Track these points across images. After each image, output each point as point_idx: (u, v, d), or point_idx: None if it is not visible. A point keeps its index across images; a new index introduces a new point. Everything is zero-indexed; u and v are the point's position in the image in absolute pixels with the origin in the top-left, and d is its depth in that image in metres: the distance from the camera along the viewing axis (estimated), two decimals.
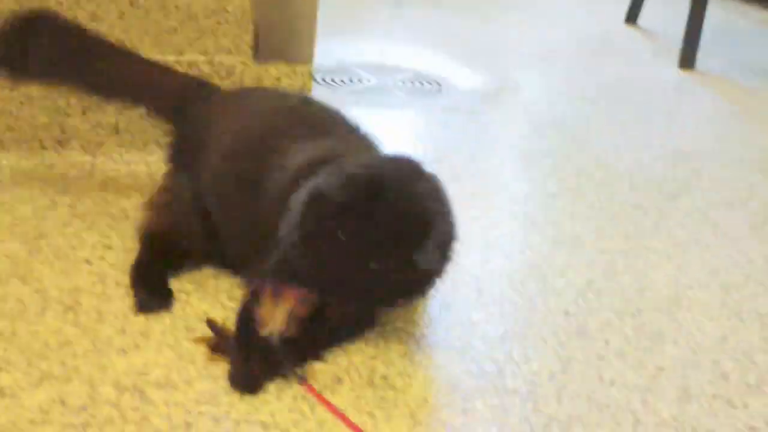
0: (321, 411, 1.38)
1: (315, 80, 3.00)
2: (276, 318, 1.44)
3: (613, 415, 1.45)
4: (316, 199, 1.41)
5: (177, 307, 1.63)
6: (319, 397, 1.40)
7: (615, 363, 1.60)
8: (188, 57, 2.23)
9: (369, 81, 3.20)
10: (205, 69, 2.23)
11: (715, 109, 3.21)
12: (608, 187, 2.40)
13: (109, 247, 1.80)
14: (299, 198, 1.43)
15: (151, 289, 1.65)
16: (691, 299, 1.84)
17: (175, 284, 1.68)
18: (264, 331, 1.44)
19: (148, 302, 1.62)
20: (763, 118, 3.15)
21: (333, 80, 3.16)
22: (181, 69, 2.13)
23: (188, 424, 1.33)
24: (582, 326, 1.70)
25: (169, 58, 2.18)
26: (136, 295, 1.63)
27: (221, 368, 1.46)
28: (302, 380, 1.44)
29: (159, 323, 1.57)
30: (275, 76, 2.28)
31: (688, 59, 3.63)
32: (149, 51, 2.17)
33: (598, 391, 1.51)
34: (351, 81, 3.18)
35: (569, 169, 2.50)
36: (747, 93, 3.45)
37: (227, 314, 1.61)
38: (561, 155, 2.61)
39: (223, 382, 1.43)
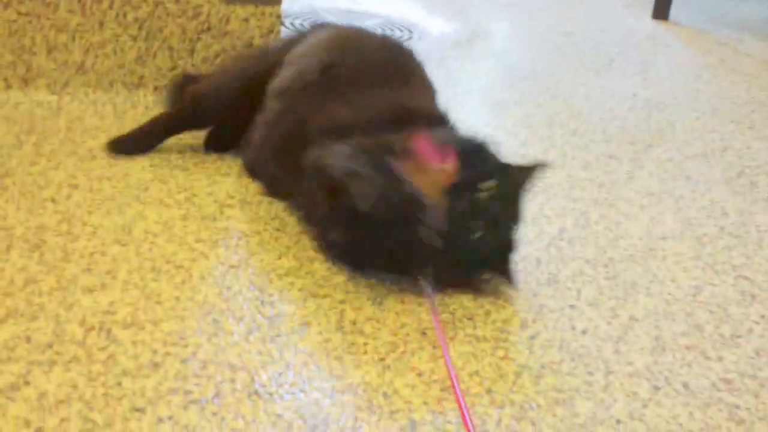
0: (289, 354, 1.35)
1: (283, 25, 2.96)
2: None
3: (586, 364, 1.43)
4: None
5: (144, 247, 1.59)
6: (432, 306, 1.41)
7: (587, 312, 1.58)
8: None
9: None
10: (172, 8, 2.18)
11: (688, 60, 3.19)
12: (581, 137, 2.37)
13: (76, 187, 1.76)
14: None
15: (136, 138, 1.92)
16: (665, 250, 1.82)
17: (141, 225, 1.65)
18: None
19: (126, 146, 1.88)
20: (737, 69, 3.13)
21: (302, 25, 3.11)
22: (147, 8, 2.09)
23: (156, 365, 1.30)
24: (554, 275, 1.68)
25: None
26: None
27: (188, 309, 1.42)
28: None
29: (126, 263, 1.53)
30: (243, 17, 2.24)
31: (661, 10, 3.61)
32: None
33: (570, 340, 1.49)
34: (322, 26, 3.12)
35: (541, 118, 2.48)
36: (720, 44, 3.43)
37: (194, 256, 1.58)
38: (533, 104, 2.58)
39: (190, 323, 1.39)
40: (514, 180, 1.59)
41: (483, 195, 1.52)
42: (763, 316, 1.63)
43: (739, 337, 1.56)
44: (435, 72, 2.55)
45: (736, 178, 2.22)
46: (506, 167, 1.59)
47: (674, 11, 3.58)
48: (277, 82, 1.83)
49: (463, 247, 1.52)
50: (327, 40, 1.91)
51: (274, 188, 1.79)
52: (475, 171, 1.52)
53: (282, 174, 1.73)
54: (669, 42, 3.40)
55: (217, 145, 1.98)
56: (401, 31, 3.19)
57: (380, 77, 1.80)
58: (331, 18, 3.23)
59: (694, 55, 3.29)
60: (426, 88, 1.89)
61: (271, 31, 2.26)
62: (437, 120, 1.74)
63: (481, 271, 1.59)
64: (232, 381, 1.28)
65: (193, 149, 1.98)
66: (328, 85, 1.75)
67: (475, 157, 1.56)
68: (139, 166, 1.87)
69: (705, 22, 3.67)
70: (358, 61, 1.82)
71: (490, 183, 1.53)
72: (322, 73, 1.78)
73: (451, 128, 1.74)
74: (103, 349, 1.32)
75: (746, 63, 3.25)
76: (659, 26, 3.61)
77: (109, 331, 1.36)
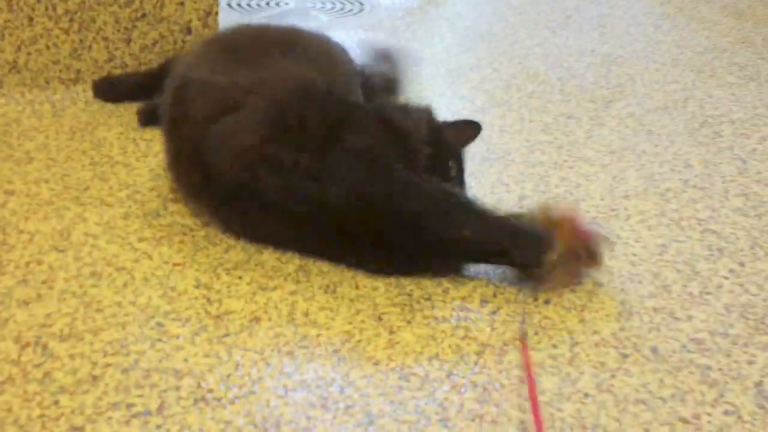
0: (238, 353, 1.29)
1: (229, 5, 2.88)
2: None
3: (550, 336, 1.38)
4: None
5: (83, 252, 1.52)
6: (526, 358, 1.32)
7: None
8: None
9: (287, 4, 3.08)
10: None
11: (646, 10, 3.13)
12: (539, 98, 2.31)
13: (12, 193, 1.69)
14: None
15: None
16: (628, 209, 1.77)
17: (81, 228, 1.58)
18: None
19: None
20: (696, 17, 3.07)
21: (249, 4, 3.03)
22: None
23: (95, 378, 1.23)
24: None
25: None
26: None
27: (131, 314, 1.36)
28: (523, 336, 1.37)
29: (63, 271, 1.47)
30: (178, 1, 2.16)
31: None
32: None
33: (532, 312, 1.43)
34: (268, 4, 3.05)
35: (498, 82, 2.41)
36: None
37: (137, 257, 1.51)
38: (489, 68, 2.51)
39: (132, 329, 1.33)
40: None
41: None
42: (732, 270, 1.58)
43: (708, 294, 1.51)
44: (386, 43, 2.49)
45: (698, 129, 2.16)
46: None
47: None
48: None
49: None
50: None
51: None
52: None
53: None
54: None
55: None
56: (351, 3, 3.11)
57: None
58: None
59: (651, 5, 3.22)
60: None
61: (209, 13, 2.18)
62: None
63: None
64: (177, 389, 1.22)
65: (135, 143, 1.91)
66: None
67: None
68: (78, 166, 1.80)
69: None
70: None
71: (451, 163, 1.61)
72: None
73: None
74: (38, 366, 1.25)
75: (705, 9, 3.19)
76: None
77: (45, 345, 1.29)
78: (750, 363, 1.34)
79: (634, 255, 1.61)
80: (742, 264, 1.60)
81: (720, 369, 1.32)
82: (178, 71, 1.70)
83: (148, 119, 1.96)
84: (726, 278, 1.56)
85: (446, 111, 2.19)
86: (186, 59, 1.76)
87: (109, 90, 2.10)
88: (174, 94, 1.64)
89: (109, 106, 2.06)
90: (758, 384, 1.29)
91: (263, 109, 1.52)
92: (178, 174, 1.62)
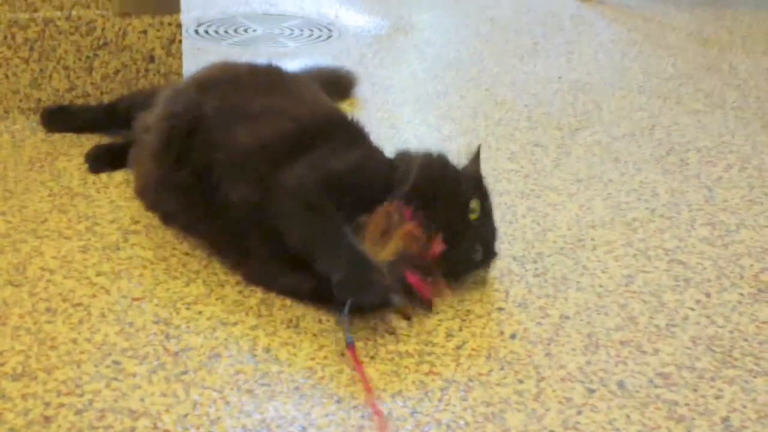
0: (196, 392, 1.26)
1: (196, 32, 2.86)
2: (389, 244, 1.41)
3: (516, 371, 1.36)
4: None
5: (39, 287, 1.49)
6: (358, 366, 1.29)
7: (516, 314, 1.50)
8: (43, 14, 2.07)
9: (255, 31, 3.06)
10: (63, 26, 2.08)
11: (613, 37, 3.13)
12: (506, 126, 2.29)
13: None
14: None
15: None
16: (594, 240, 1.75)
17: (37, 262, 1.55)
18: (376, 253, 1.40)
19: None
20: (663, 43, 3.07)
21: (216, 32, 3.01)
22: (36, 28, 1.99)
23: (47, 419, 1.20)
24: (480, 277, 1.59)
25: (22, 17, 2.02)
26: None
27: (86, 352, 1.32)
28: (350, 345, 1.33)
29: (18, 306, 1.43)
30: (140, 29, 2.13)
31: None
32: None
33: (498, 346, 1.41)
34: (236, 32, 3.03)
35: (465, 109, 2.40)
36: (646, 19, 3.38)
37: (94, 291, 1.48)
38: (456, 96, 2.50)
39: (88, 368, 1.29)
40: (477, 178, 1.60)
41: (473, 217, 1.51)
42: (698, 302, 1.56)
43: (674, 326, 1.49)
44: (354, 70, 2.47)
45: (665, 156, 2.15)
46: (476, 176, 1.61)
47: None
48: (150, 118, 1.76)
49: (467, 270, 1.54)
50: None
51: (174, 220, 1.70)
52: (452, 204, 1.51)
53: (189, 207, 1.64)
54: (593, 21, 3.34)
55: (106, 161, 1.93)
56: (320, 30, 3.10)
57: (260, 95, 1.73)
58: (246, 22, 3.14)
59: (619, 32, 3.22)
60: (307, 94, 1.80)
61: (173, 41, 2.16)
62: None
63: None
64: (133, 430, 1.19)
65: (96, 174, 1.87)
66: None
67: (438, 174, 1.55)
68: (37, 197, 1.77)
69: None
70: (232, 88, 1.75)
71: (474, 204, 1.51)
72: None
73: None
74: None
75: (672, 37, 3.19)
76: (583, 6, 3.54)
77: None
78: (717, 398, 1.32)
79: (601, 286, 1.59)
80: (708, 295, 1.59)
81: (687, 404, 1.30)
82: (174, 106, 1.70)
83: (101, 165, 1.92)
84: (692, 309, 1.54)
85: (413, 138, 2.17)
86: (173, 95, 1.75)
87: (58, 120, 2.07)
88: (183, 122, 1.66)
89: (70, 137, 2.03)
90: (725, 419, 1.28)
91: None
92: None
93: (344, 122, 1.71)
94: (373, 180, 1.50)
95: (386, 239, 1.42)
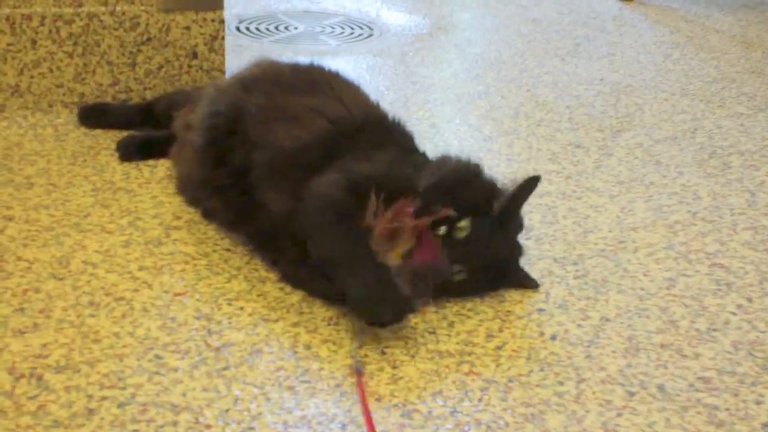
0: (237, 387, 1.27)
1: (238, 29, 2.87)
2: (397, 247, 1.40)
3: (556, 373, 1.35)
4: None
5: (82, 281, 1.50)
6: (363, 400, 1.25)
7: (557, 316, 1.50)
8: (88, 9, 2.08)
9: (296, 28, 3.06)
10: (108, 20, 2.09)
11: (656, 39, 3.11)
12: (547, 126, 2.29)
13: (11, 219, 1.68)
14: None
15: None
16: (636, 242, 1.74)
17: (80, 256, 1.56)
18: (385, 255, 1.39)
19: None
20: (705, 46, 3.05)
21: (258, 29, 3.02)
22: (81, 22, 2.00)
23: (90, 412, 1.21)
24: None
25: (66, 11, 2.04)
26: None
27: (129, 346, 1.34)
28: (359, 371, 1.32)
29: (61, 299, 1.44)
30: (184, 25, 2.14)
31: None
32: (43, 4, 2.04)
33: (539, 348, 1.41)
34: (277, 29, 3.04)
35: (506, 110, 2.39)
36: (688, 21, 3.35)
37: (137, 286, 1.49)
38: (497, 96, 2.49)
39: (130, 361, 1.30)
40: (506, 200, 1.53)
41: (459, 236, 1.46)
42: (740, 306, 1.55)
43: (716, 330, 1.48)
44: (395, 69, 2.47)
45: (707, 160, 2.14)
46: (496, 189, 1.55)
47: None
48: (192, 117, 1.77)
49: (449, 291, 1.50)
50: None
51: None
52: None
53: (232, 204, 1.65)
54: (636, 22, 3.32)
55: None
56: (361, 28, 3.10)
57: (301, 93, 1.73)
58: (287, 19, 3.14)
59: (661, 34, 3.20)
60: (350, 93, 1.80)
61: (215, 38, 2.17)
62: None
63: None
64: (175, 424, 1.20)
65: (138, 169, 1.89)
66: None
67: (456, 183, 1.52)
68: (80, 192, 1.78)
69: None
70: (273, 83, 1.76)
71: (462, 223, 1.46)
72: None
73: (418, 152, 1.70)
74: (33, 398, 1.23)
75: (715, 39, 3.17)
76: (625, 7, 3.52)
77: (40, 377, 1.27)
78: (758, 403, 1.31)
79: (642, 289, 1.59)
80: (750, 300, 1.58)
81: (727, 409, 1.30)
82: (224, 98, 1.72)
83: (132, 154, 1.93)
84: (734, 314, 1.53)
85: (453, 138, 2.17)
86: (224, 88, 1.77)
87: (94, 117, 2.08)
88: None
89: (113, 131, 2.04)
90: (766, 425, 1.27)
91: None
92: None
93: (383, 122, 1.71)
94: (401, 183, 1.49)
95: (394, 241, 1.41)
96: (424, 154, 1.67)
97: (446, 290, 1.48)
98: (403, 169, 1.55)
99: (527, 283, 1.57)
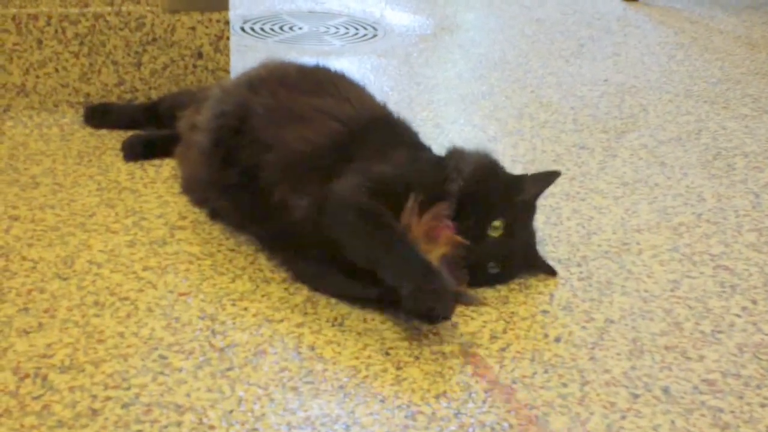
0: (241, 388, 1.27)
1: (242, 29, 2.87)
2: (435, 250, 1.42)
3: (560, 375, 1.35)
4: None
5: (86, 280, 1.50)
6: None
7: (561, 317, 1.50)
8: (93, 9, 2.09)
9: (300, 28, 3.07)
10: (114, 21, 2.10)
11: (660, 40, 3.11)
12: (551, 128, 2.29)
13: (16, 218, 1.68)
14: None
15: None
16: (640, 244, 1.74)
17: (85, 256, 1.56)
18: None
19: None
20: (710, 47, 3.05)
21: (262, 29, 3.02)
22: (86, 23, 2.00)
23: (94, 412, 1.21)
24: (524, 279, 1.59)
25: (72, 11, 2.04)
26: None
27: (133, 346, 1.34)
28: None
29: (66, 299, 1.45)
30: (189, 25, 2.15)
31: None
32: (49, 4, 2.04)
33: (542, 349, 1.41)
34: (281, 29, 3.04)
35: (510, 110, 2.39)
36: (692, 22, 3.35)
37: (141, 286, 1.49)
38: (501, 96, 2.49)
39: (134, 361, 1.30)
40: (528, 192, 1.59)
41: (493, 234, 1.51)
42: (744, 308, 1.55)
43: (720, 332, 1.48)
44: (399, 69, 2.48)
45: (712, 161, 2.14)
46: (519, 182, 1.60)
47: None
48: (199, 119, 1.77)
49: (484, 283, 1.54)
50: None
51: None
52: (480, 215, 1.51)
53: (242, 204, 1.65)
54: (640, 23, 3.32)
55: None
56: (365, 29, 3.10)
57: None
58: (291, 20, 3.15)
59: (666, 34, 3.20)
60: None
61: (221, 38, 2.17)
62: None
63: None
64: (179, 425, 1.20)
65: (143, 169, 1.89)
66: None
67: (484, 182, 1.55)
68: (85, 191, 1.78)
69: (676, 0, 3.60)
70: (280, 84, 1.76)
71: (497, 223, 1.50)
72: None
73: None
74: (37, 398, 1.23)
75: (719, 40, 3.17)
76: (629, 8, 3.52)
77: (45, 377, 1.27)
78: (762, 406, 1.31)
79: (646, 291, 1.59)
80: (755, 302, 1.58)
81: (732, 411, 1.30)
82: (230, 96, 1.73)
83: (136, 153, 1.94)
84: (738, 316, 1.53)
85: (457, 138, 2.17)
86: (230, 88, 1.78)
87: (99, 117, 2.09)
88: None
89: (118, 131, 2.04)
90: None
91: None
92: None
93: (390, 121, 1.71)
94: (421, 180, 1.50)
95: (431, 243, 1.42)
96: (430, 150, 1.67)
97: (479, 282, 1.52)
98: (422, 168, 1.57)
99: (547, 269, 1.61)
